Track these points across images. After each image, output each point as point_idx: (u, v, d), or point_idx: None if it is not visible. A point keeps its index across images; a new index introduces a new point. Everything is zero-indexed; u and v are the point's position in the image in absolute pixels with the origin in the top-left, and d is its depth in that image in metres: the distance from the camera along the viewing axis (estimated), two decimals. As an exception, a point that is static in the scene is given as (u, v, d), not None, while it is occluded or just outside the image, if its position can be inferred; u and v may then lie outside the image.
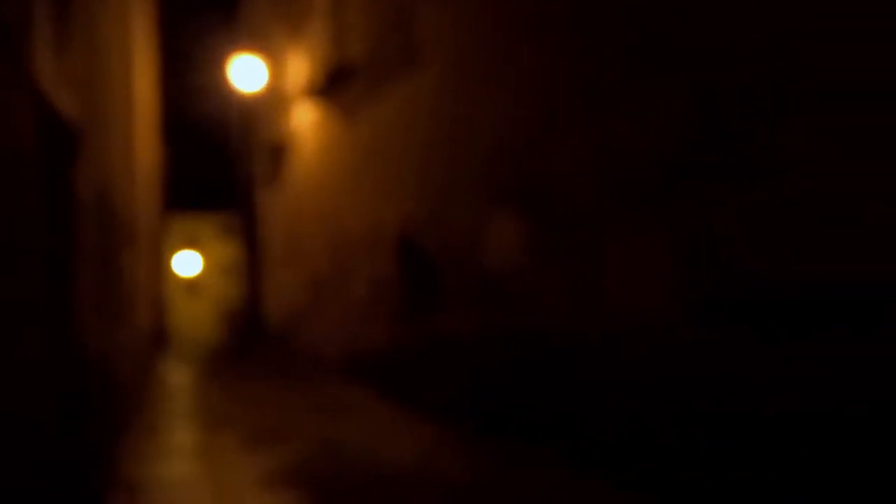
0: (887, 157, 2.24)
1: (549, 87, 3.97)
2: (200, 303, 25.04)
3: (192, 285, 25.77)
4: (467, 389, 4.85)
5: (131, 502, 3.50)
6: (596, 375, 3.58)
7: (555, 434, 3.88)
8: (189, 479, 3.91)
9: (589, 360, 3.64)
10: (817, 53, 2.45)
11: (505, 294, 4.39)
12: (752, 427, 2.69)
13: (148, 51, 9.69)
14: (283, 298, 11.04)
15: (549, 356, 3.96)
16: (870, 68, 2.29)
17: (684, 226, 3.02)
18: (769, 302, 2.61)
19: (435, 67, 5.40)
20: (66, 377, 2.69)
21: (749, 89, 2.70)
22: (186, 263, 25.54)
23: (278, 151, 10.82)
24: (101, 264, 4.03)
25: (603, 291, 3.54)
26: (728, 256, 2.79)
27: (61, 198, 2.76)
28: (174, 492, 3.69)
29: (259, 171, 12.86)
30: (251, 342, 13.54)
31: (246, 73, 10.61)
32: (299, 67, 9.30)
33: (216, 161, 17.03)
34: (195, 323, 23.06)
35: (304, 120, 9.33)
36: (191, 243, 25.31)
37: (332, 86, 7.68)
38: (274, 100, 11.04)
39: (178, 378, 8.99)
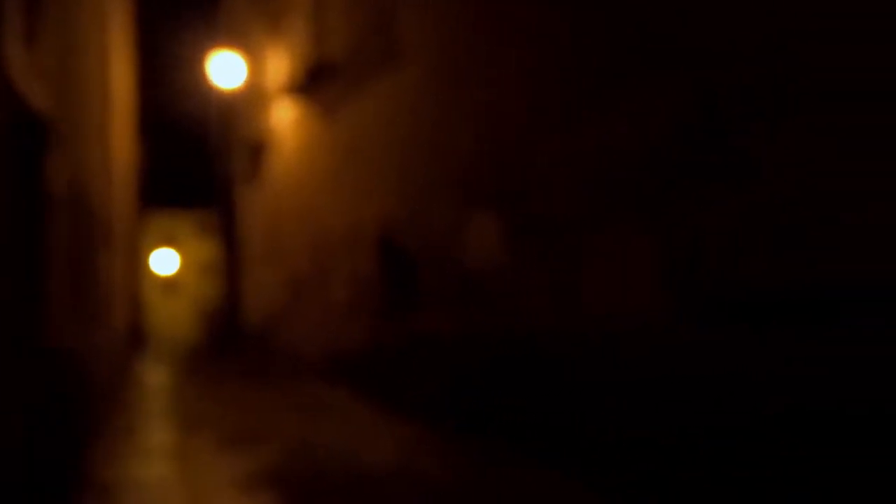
0: (887, 157, 2.23)
1: (532, 88, 3.95)
2: (178, 302, 24.80)
3: (169, 284, 25.52)
4: (448, 389, 4.82)
5: (104, 503, 3.43)
6: (577, 376, 3.56)
7: (535, 434, 3.86)
8: (164, 481, 3.84)
9: (570, 360, 3.62)
10: (817, 53, 2.44)
11: (485, 294, 4.36)
12: (743, 429, 2.68)
13: (125, 47, 9.56)
14: (262, 297, 10.95)
15: (529, 356, 3.94)
16: (870, 68, 2.28)
17: (673, 226, 3.01)
18: (766, 302, 2.60)
19: (416, 66, 5.36)
20: (34, 378, 2.62)
21: (745, 89, 2.68)
22: (164, 262, 25.29)
23: (257, 149, 10.73)
24: (76, 262, 3.96)
25: (584, 292, 3.52)
26: (723, 257, 2.78)
27: (31, 192, 2.69)
28: (148, 493, 3.62)
29: (238, 169, 12.75)
30: (230, 342, 13.42)
31: (225, 69, 10.51)
32: (279, 64, 9.22)
33: (195, 158, 16.87)
34: (173, 322, 22.83)
35: (284, 117, 9.25)
36: (168, 241, 25.07)
37: (312, 83, 7.62)
38: (253, 97, 10.94)
39: (155, 378, 8.88)
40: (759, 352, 2.60)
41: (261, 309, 11.04)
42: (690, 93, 2.90)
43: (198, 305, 20.70)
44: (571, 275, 3.60)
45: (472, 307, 4.51)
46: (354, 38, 6.57)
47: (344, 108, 6.95)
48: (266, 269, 10.65)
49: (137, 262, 14.07)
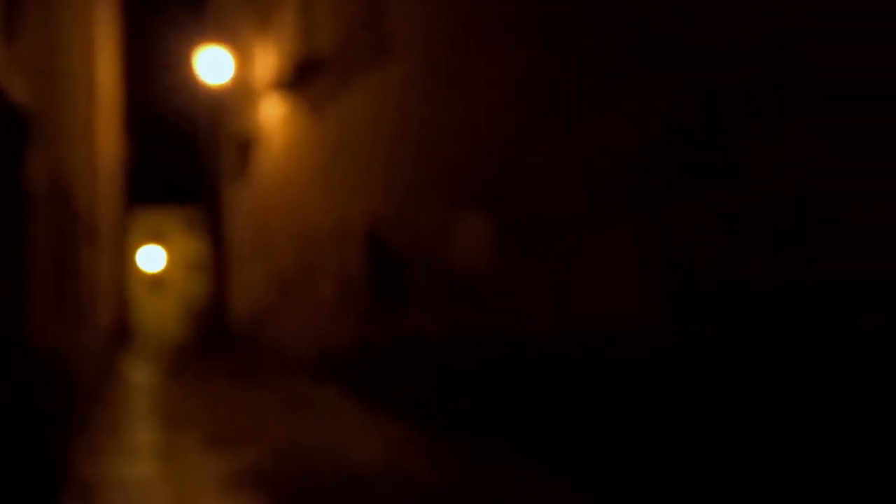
0: (887, 157, 2.22)
1: (525, 86, 3.92)
2: (165, 299, 24.63)
3: (156, 281, 25.35)
4: (436, 388, 4.79)
5: (87, 503, 3.39)
6: (568, 376, 3.54)
7: (525, 434, 3.84)
8: (148, 480, 3.80)
9: (561, 361, 3.59)
10: (817, 53, 2.42)
11: (474, 293, 4.33)
12: (742, 430, 2.66)
13: (111, 43, 9.47)
14: (249, 295, 10.88)
15: (519, 356, 3.92)
16: (869, 68, 2.26)
17: (672, 226, 2.98)
18: (766, 302, 2.58)
19: (405, 62, 5.32)
20: (15, 378, 2.58)
21: (745, 89, 2.66)
22: (151, 259, 25.13)
23: (245, 145, 10.65)
24: (59, 260, 3.90)
25: (578, 292, 3.50)
26: (722, 257, 2.76)
27: (11, 188, 2.64)
28: (132, 492, 3.57)
29: (226, 166, 12.66)
30: (217, 339, 13.34)
31: (213, 65, 10.42)
32: (267, 60, 9.15)
33: (182, 155, 16.74)
34: (160, 319, 22.67)
35: (272, 114, 9.18)
36: (156, 238, 24.90)
37: (301, 79, 7.56)
38: (242, 93, 10.86)
39: (141, 376, 8.81)
40: (758, 352, 2.59)
41: (248, 306, 10.97)
42: (690, 92, 2.87)
43: (185, 303, 20.57)
44: (564, 275, 3.58)
45: (460, 306, 4.48)
46: (343, 34, 6.52)
47: (332, 104, 6.90)
48: (254, 267, 10.58)
49: (124, 260, 13.97)
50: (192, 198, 17.06)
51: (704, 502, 2.78)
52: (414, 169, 5.18)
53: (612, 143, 3.28)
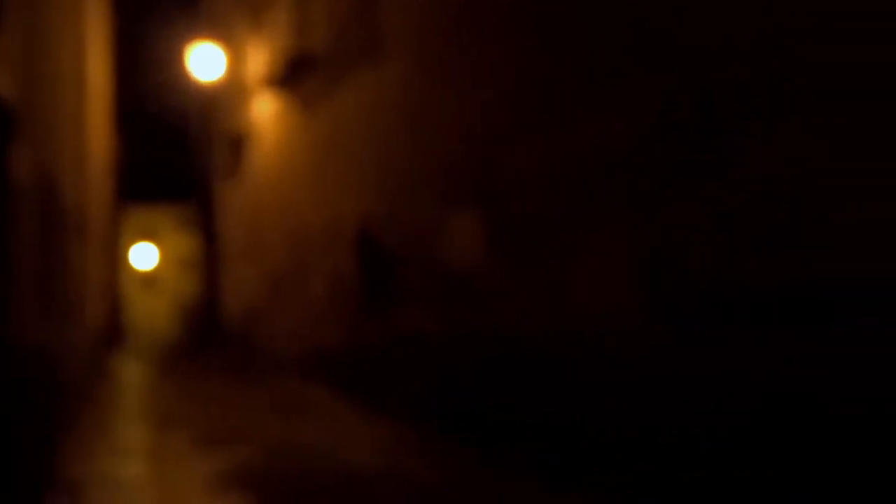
0: (884, 156, 2.19)
1: (519, 83, 3.88)
2: (158, 297, 24.53)
3: (149, 279, 25.25)
4: (429, 389, 4.75)
5: (72, 503, 3.34)
6: (563, 376, 3.51)
7: (520, 434, 3.80)
8: (135, 480, 3.75)
9: (556, 360, 3.56)
10: (813, 52, 2.39)
11: (467, 292, 4.29)
12: (739, 429, 2.63)
13: (103, 38, 9.40)
14: (242, 293, 10.82)
15: (513, 356, 3.88)
16: (867, 67, 2.24)
17: (667, 225, 2.95)
18: (762, 302, 2.55)
19: (398, 60, 5.28)
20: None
21: (740, 87, 2.64)
22: (143, 256, 25.02)
23: (238, 143, 10.59)
24: (46, 255, 3.84)
25: (571, 291, 3.46)
26: (718, 255, 2.73)
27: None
28: (118, 492, 3.52)
29: (218, 163, 12.59)
30: (209, 338, 13.28)
31: (205, 61, 10.36)
32: (260, 57, 9.09)
33: (175, 152, 16.65)
34: (152, 317, 22.57)
35: (265, 111, 9.13)
36: (148, 236, 24.80)
37: (293, 76, 7.51)
38: (234, 90, 10.80)
39: (131, 375, 8.74)
40: (754, 352, 2.56)
41: (240, 305, 10.91)
42: (685, 91, 2.84)
43: (178, 301, 20.48)
44: (559, 274, 3.54)
45: (453, 306, 4.44)
46: (336, 31, 6.47)
47: (324, 101, 6.85)
48: (246, 265, 10.52)
49: (116, 257, 13.89)
50: (185, 195, 16.97)
51: (703, 503, 2.75)
52: (407, 167, 5.14)
53: (607, 141, 3.25)
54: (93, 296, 7.53)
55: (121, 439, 4.79)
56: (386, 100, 5.50)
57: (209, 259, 13.69)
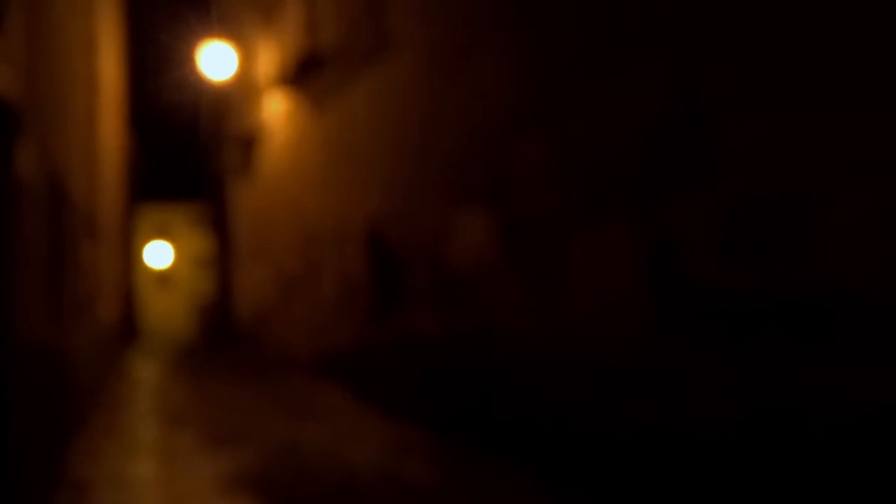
0: (887, 158, 2.13)
1: (520, 82, 3.84)
2: (172, 295, 24.69)
3: (163, 277, 25.40)
4: (437, 391, 4.71)
5: (78, 502, 3.33)
6: (562, 378, 3.46)
7: (527, 438, 3.76)
8: (142, 480, 3.73)
9: (555, 362, 3.51)
10: (812, 48, 2.34)
11: (474, 293, 4.25)
12: (733, 436, 2.59)
13: (114, 37, 9.43)
14: (254, 293, 10.83)
15: (517, 357, 3.83)
16: (866, 65, 2.18)
17: (664, 227, 2.91)
18: (759, 308, 2.50)
19: (406, 58, 5.24)
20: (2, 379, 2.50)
21: (741, 83, 2.59)
22: (158, 255, 25.16)
23: (249, 142, 10.60)
24: (54, 253, 3.83)
25: (571, 292, 3.42)
26: (715, 259, 2.68)
27: (-3, 182, 2.57)
28: (124, 493, 3.51)
29: (230, 162, 12.61)
30: (221, 337, 13.31)
31: (217, 61, 10.37)
32: (271, 56, 9.08)
33: (190, 150, 16.72)
34: (167, 316, 22.71)
35: (275, 110, 9.12)
36: (162, 234, 24.94)
37: (303, 75, 7.49)
38: (245, 89, 10.81)
39: (143, 374, 8.76)
40: (750, 358, 2.51)
41: (252, 304, 10.92)
42: (688, 85, 2.79)
43: (192, 299, 20.58)
44: (562, 273, 3.50)
45: (460, 307, 4.40)
46: (345, 29, 6.44)
47: (334, 100, 6.83)
48: (256, 265, 10.53)
49: (130, 256, 13.94)
50: (199, 193, 17.04)
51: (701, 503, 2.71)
52: (414, 167, 5.10)
53: (613, 137, 3.21)
54: (105, 294, 7.55)
55: (131, 439, 4.78)
56: (394, 98, 5.47)
57: (222, 258, 13.72)
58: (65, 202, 4.21)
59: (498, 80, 4.04)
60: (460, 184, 4.45)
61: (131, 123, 12.50)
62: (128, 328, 12.50)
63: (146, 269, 24.27)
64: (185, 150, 16.99)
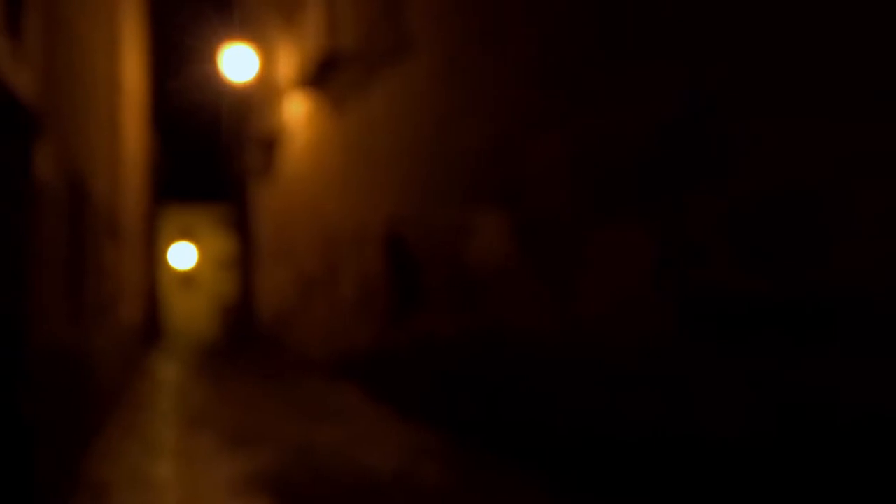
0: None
1: (534, 83, 3.80)
2: (196, 296, 24.85)
3: (187, 278, 25.59)
4: (453, 392, 4.68)
5: (96, 503, 3.34)
6: (578, 379, 3.41)
7: (538, 438, 3.71)
8: (160, 481, 3.74)
9: (571, 363, 3.47)
10: (823, 47, 2.28)
11: (491, 294, 4.21)
12: (741, 439, 2.53)
13: (137, 39, 9.51)
14: (274, 295, 10.88)
15: (535, 358, 3.79)
16: (875, 66, 2.13)
17: (675, 228, 2.86)
18: (766, 309, 2.46)
19: (423, 60, 5.22)
20: (15, 379, 2.52)
21: (756, 83, 2.54)
22: (182, 256, 25.37)
23: (270, 143, 10.64)
24: (75, 255, 3.86)
25: (582, 293, 3.38)
26: (724, 261, 2.63)
27: (16, 182, 2.58)
28: (142, 493, 3.52)
29: (251, 164, 12.68)
30: (243, 338, 13.38)
31: (238, 62, 10.43)
32: (291, 58, 9.11)
33: (214, 151, 16.84)
34: (191, 317, 22.87)
35: (296, 112, 9.15)
36: (187, 235, 25.15)
37: (323, 77, 7.50)
38: (266, 91, 10.86)
39: (165, 375, 8.82)
40: (764, 359, 2.46)
41: (273, 305, 10.97)
42: (701, 85, 2.74)
43: (215, 300, 20.72)
44: (572, 274, 3.46)
45: (476, 308, 4.37)
46: (364, 31, 6.44)
47: (353, 102, 6.83)
48: (277, 266, 10.57)
49: (154, 257, 14.07)
50: (222, 195, 17.15)
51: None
52: (432, 168, 5.08)
53: (620, 140, 3.18)
54: (128, 295, 7.61)
55: (150, 440, 4.80)
56: (412, 100, 5.45)
57: (244, 259, 13.80)
58: (86, 203, 4.24)
59: (513, 81, 4.01)
60: (476, 185, 4.42)
61: (154, 125, 12.61)
62: (152, 329, 12.61)
63: (170, 270, 24.48)
64: (208, 152, 17.12)
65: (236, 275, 14.97)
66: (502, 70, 4.12)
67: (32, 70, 2.70)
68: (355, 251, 6.74)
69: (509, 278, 4.02)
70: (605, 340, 3.27)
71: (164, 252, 23.29)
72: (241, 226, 14.09)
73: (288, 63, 9.31)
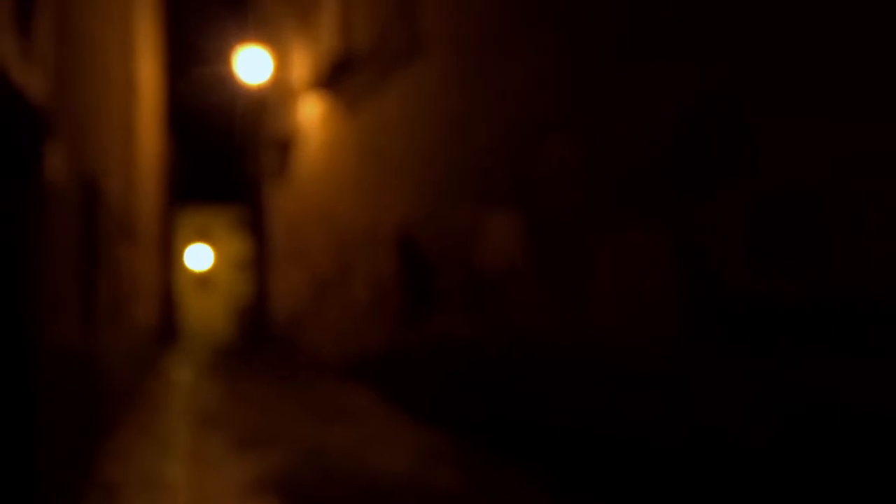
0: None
1: (547, 83, 3.77)
2: (213, 297, 24.98)
3: (204, 279, 25.73)
4: (464, 393, 4.64)
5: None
6: (592, 383, 3.36)
7: (550, 441, 3.67)
8: (170, 482, 3.73)
9: (585, 366, 3.42)
10: (845, 47, 2.23)
11: (504, 297, 4.18)
12: (740, 445, 2.48)
13: (152, 41, 9.56)
14: (288, 296, 10.89)
15: (547, 361, 3.75)
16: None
17: (689, 230, 2.81)
18: (790, 314, 2.40)
19: (435, 61, 5.20)
20: (22, 380, 2.51)
21: (778, 83, 2.49)
22: (199, 257, 25.50)
23: (284, 145, 10.66)
24: (88, 256, 3.86)
25: (598, 295, 3.33)
26: (745, 265, 2.58)
27: (25, 182, 2.58)
28: (152, 494, 3.51)
29: (266, 165, 12.72)
30: (258, 339, 13.42)
31: (253, 64, 10.46)
32: (306, 59, 9.12)
33: (229, 153, 16.92)
34: (207, 318, 23.01)
35: (310, 113, 9.16)
36: (203, 237, 25.28)
37: (336, 78, 7.50)
38: (281, 92, 10.88)
39: (180, 376, 8.85)
40: (781, 366, 2.41)
41: (287, 307, 10.99)
42: (719, 85, 2.69)
43: (231, 301, 20.82)
44: (586, 276, 3.42)
45: (488, 309, 4.33)
46: (377, 32, 6.42)
47: (367, 103, 6.81)
48: (292, 267, 10.59)
49: (171, 258, 14.14)
50: (239, 196, 17.23)
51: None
52: (444, 170, 5.05)
53: (635, 141, 3.13)
54: (143, 297, 7.64)
55: (162, 441, 4.80)
56: (424, 101, 5.43)
57: (259, 261, 13.84)
58: (99, 203, 4.24)
59: (526, 82, 3.97)
60: (489, 186, 4.38)
61: (169, 126, 12.68)
62: (168, 330, 12.67)
63: (187, 271, 24.63)
64: (222, 153, 17.20)
65: (251, 276, 15.02)
66: (515, 71, 4.09)
67: (43, 70, 2.70)
68: (368, 253, 6.72)
69: (521, 280, 3.98)
70: (617, 342, 3.22)
71: (181, 253, 23.43)
72: (256, 227, 14.13)
73: (302, 65, 9.32)
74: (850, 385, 2.20)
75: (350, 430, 4.96)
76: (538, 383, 3.83)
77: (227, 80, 11.68)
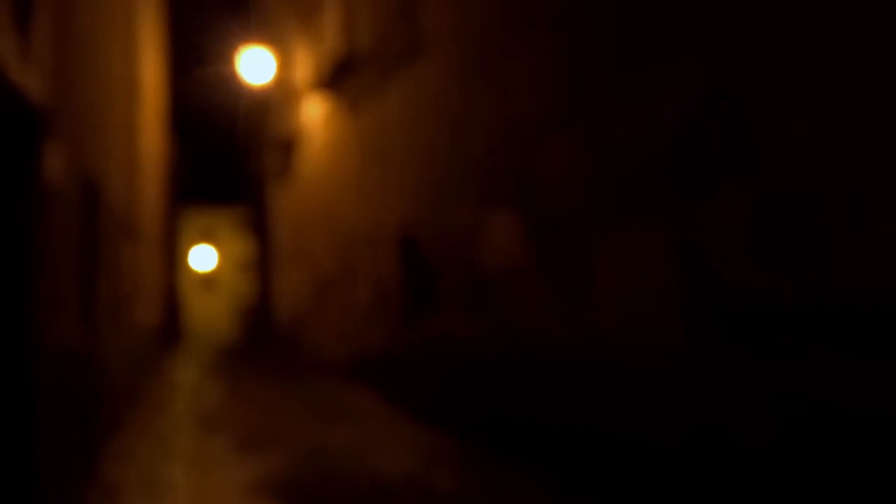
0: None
1: (548, 84, 3.75)
2: (216, 298, 25.00)
3: (208, 280, 25.74)
4: (464, 393, 4.63)
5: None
6: (593, 384, 3.35)
7: (549, 441, 3.66)
8: (171, 483, 3.73)
9: (586, 367, 3.41)
10: (845, 49, 2.21)
11: (505, 298, 4.17)
12: (741, 446, 2.47)
13: (155, 42, 9.57)
14: (291, 296, 10.89)
15: (548, 362, 3.74)
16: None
17: (689, 230, 2.80)
18: (792, 316, 2.39)
19: (437, 62, 5.19)
20: (21, 381, 2.51)
21: (779, 83, 2.47)
22: (202, 258, 25.53)
23: (287, 145, 10.66)
24: (88, 257, 3.86)
25: (599, 295, 3.32)
26: (746, 266, 2.56)
27: (23, 182, 2.58)
28: (153, 495, 3.51)
29: (269, 166, 12.72)
30: (261, 340, 13.43)
31: (256, 65, 10.46)
32: (309, 60, 9.13)
33: (232, 154, 16.93)
34: (211, 318, 23.03)
35: (313, 114, 9.16)
36: (207, 237, 25.31)
37: (339, 78, 7.50)
38: (284, 93, 10.88)
39: (182, 376, 8.86)
40: (781, 366, 2.39)
41: (290, 307, 10.99)
42: (720, 85, 2.68)
43: (235, 302, 20.84)
44: (587, 276, 3.41)
45: (489, 309, 4.32)
46: (379, 32, 6.42)
47: (369, 103, 6.81)
48: (295, 268, 10.59)
49: (174, 258, 14.16)
50: (242, 197, 17.25)
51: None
52: (445, 170, 5.04)
53: (636, 142, 3.11)
54: (146, 297, 7.64)
55: (163, 442, 4.80)
56: (426, 101, 5.42)
57: (263, 261, 13.84)
58: (99, 204, 4.24)
59: (527, 83, 3.96)
60: (490, 187, 4.37)
61: (173, 127, 12.69)
62: (171, 330, 12.68)
63: (191, 272, 24.65)
64: (226, 154, 17.22)
65: (254, 276, 15.03)
66: (516, 71, 4.08)
67: (41, 69, 2.70)
68: (369, 253, 6.72)
69: (522, 280, 3.97)
70: (618, 342, 3.21)
71: (185, 254, 23.45)
72: (259, 227, 14.14)
73: (305, 65, 9.32)
74: (850, 385, 2.18)
75: (351, 430, 4.95)
76: (538, 383, 3.82)
77: (230, 80, 11.69)
